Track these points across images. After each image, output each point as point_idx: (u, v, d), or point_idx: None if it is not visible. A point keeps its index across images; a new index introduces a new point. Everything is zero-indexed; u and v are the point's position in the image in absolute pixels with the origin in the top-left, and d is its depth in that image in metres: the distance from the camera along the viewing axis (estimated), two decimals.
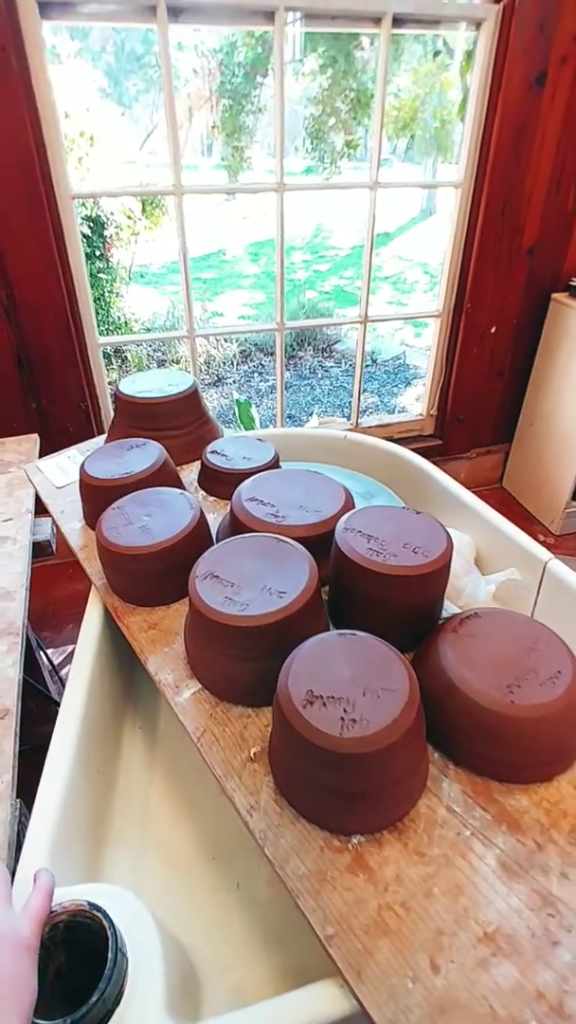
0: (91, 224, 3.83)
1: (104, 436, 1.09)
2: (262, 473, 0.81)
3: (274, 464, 0.89)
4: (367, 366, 4.28)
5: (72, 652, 1.59)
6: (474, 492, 0.97)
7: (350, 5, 1.47)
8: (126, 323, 4.29)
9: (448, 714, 0.54)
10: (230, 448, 0.93)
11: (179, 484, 0.88)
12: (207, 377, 4.19)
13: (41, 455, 1.11)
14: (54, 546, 1.04)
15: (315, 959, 0.46)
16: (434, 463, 1.07)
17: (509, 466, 2.29)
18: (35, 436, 1.24)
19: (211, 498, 0.92)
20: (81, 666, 0.70)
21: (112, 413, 1.54)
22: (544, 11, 1.49)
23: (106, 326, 4.06)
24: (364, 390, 3.95)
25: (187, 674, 0.64)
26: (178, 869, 0.65)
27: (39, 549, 1.01)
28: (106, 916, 0.44)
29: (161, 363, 4.35)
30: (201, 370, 4.17)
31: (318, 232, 8.41)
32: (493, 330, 1.96)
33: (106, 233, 3.99)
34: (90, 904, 0.45)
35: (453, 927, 0.44)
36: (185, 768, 0.74)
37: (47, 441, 1.28)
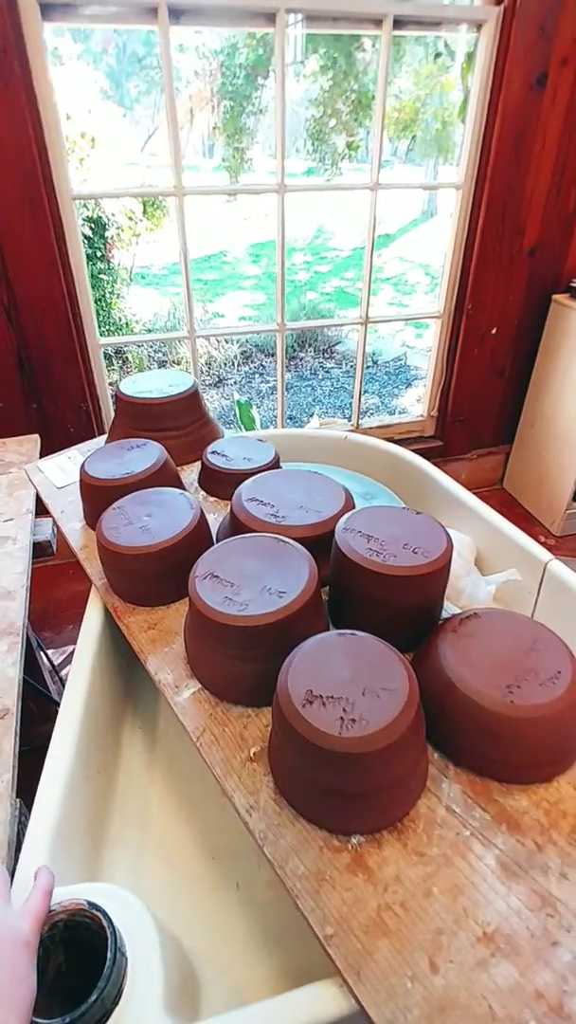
0: (92, 225, 3.84)
1: (105, 436, 1.09)
2: (262, 473, 0.81)
3: (274, 465, 0.89)
4: (368, 367, 4.29)
5: (72, 653, 1.59)
6: (475, 493, 0.97)
7: (351, 7, 1.47)
8: (127, 324, 4.29)
9: (448, 714, 0.54)
10: (230, 448, 0.93)
11: (179, 484, 0.88)
12: (208, 378, 4.19)
13: (42, 455, 1.12)
14: (55, 546, 1.04)
15: (315, 959, 0.46)
16: (435, 464, 1.07)
17: (510, 467, 2.29)
18: (36, 436, 1.24)
19: (211, 498, 0.92)
20: (81, 666, 0.70)
21: (113, 414, 1.54)
22: (545, 13, 1.50)
23: (107, 327, 4.06)
24: (365, 391, 3.95)
25: (187, 674, 0.64)
26: (178, 869, 0.65)
27: (40, 549, 1.02)
28: (105, 915, 0.44)
29: (162, 364, 4.35)
30: (202, 371, 4.18)
31: (319, 233, 8.42)
32: (494, 331, 1.96)
33: (107, 234, 3.99)
34: (89, 903, 0.45)
35: (452, 927, 0.44)
36: (185, 768, 0.74)
37: (48, 441, 1.29)
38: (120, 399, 0.99)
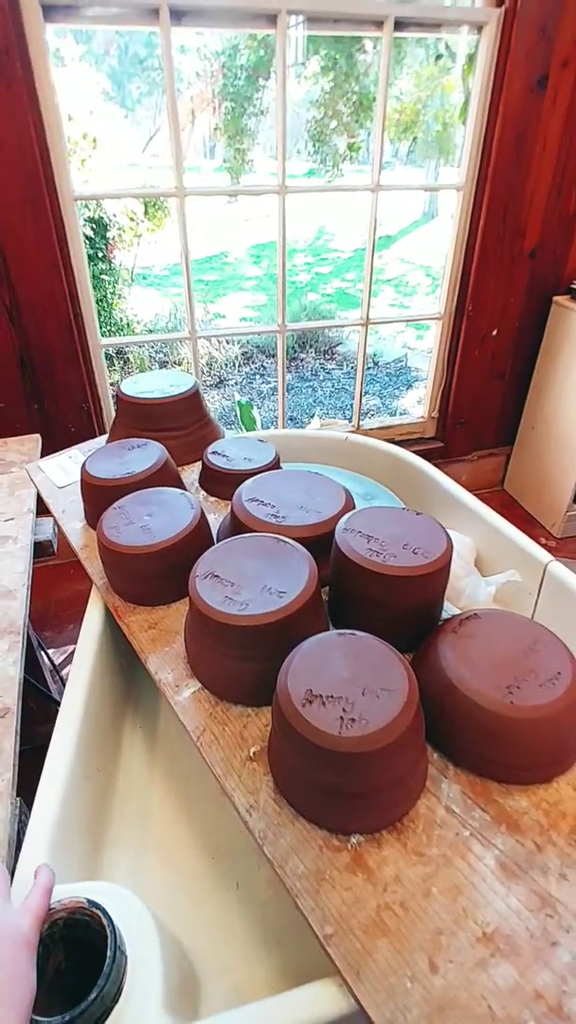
0: (93, 226, 3.84)
1: (106, 436, 1.09)
2: (263, 474, 0.81)
3: (275, 465, 0.89)
4: (368, 368, 4.29)
5: (73, 652, 1.60)
6: (475, 495, 0.97)
7: (352, 8, 1.47)
8: (128, 325, 4.30)
9: (447, 715, 0.54)
10: (231, 449, 0.93)
11: (180, 484, 0.88)
12: (209, 379, 4.19)
13: (43, 455, 1.12)
14: (55, 546, 1.04)
15: (314, 959, 0.46)
16: (435, 465, 1.07)
17: (510, 469, 2.29)
18: (37, 436, 1.24)
19: (212, 498, 0.92)
20: (82, 665, 0.70)
21: (114, 414, 1.54)
22: (545, 15, 1.50)
23: (108, 328, 4.07)
24: (365, 392, 3.95)
25: (187, 673, 0.64)
26: (178, 869, 0.65)
27: (40, 549, 1.02)
28: (105, 914, 0.44)
29: (163, 364, 4.35)
30: (203, 372, 4.18)
31: (320, 234, 8.43)
32: (494, 333, 1.96)
33: (108, 235, 4.00)
34: (89, 901, 0.45)
35: (452, 927, 0.44)
36: (185, 768, 0.74)
37: (49, 441, 1.29)
38: (121, 399, 0.99)
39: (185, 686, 0.63)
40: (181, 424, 1.00)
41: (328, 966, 0.44)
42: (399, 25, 1.51)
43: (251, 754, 0.56)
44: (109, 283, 4.06)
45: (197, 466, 0.97)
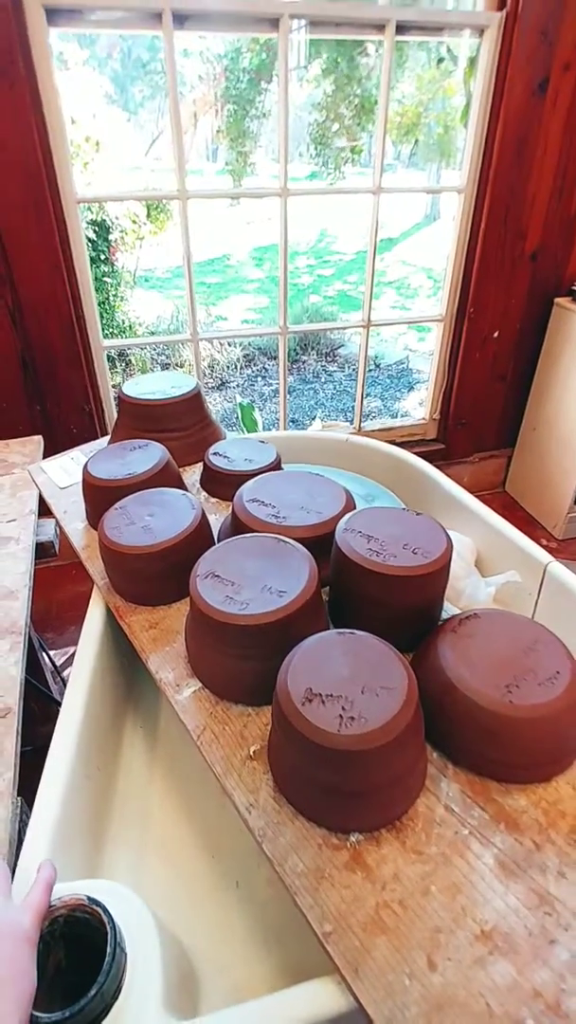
0: (96, 228, 3.86)
1: (107, 437, 1.09)
2: (264, 474, 0.82)
3: (276, 466, 0.90)
4: (370, 370, 4.30)
5: (74, 653, 1.60)
6: (476, 496, 0.98)
7: (354, 12, 1.48)
8: (130, 327, 4.31)
9: (447, 714, 0.54)
10: (232, 450, 0.93)
11: (181, 485, 0.88)
12: (211, 381, 4.20)
13: (45, 457, 1.12)
14: (57, 547, 1.05)
15: (314, 957, 0.46)
16: (437, 467, 1.07)
17: (512, 470, 2.29)
18: (39, 438, 1.25)
19: (213, 499, 0.92)
20: (83, 664, 0.70)
21: (115, 415, 1.55)
22: (546, 18, 1.50)
23: (110, 329, 4.08)
24: (367, 394, 3.96)
25: (187, 673, 0.64)
26: (177, 868, 0.65)
27: (42, 550, 1.02)
28: (105, 911, 0.45)
29: (165, 366, 4.37)
30: (204, 374, 4.19)
31: (322, 237, 8.45)
32: (496, 335, 1.97)
33: (111, 237, 4.01)
34: (89, 899, 0.46)
35: (451, 925, 0.45)
36: (185, 768, 0.75)
37: (51, 443, 1.29)
38: (123, 400, 0.99)
39: (186, 685, 0.63)
40: (182, 425, 1.00)
41: (327, 964, 0.44)
42: (401, 29, 1.51)
43: (251, 753, 0.56)
44: (111, 285, 4.08)
45: (198, 467, 0.98)
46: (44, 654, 1.30)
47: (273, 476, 0.81)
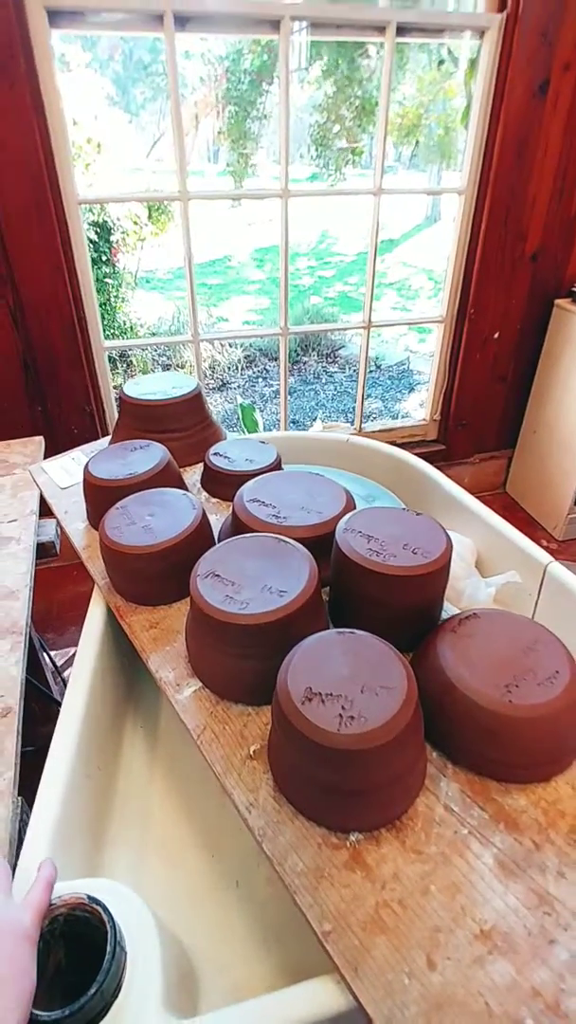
0: (97, 229, 3.87)
1: (108, 438, 1.10)
2: (264, 475, 0.82)
3: (276, 466, 0.90)
4: (371, 372, 4.30)
5: (75, 654, 1.60)
6: (477, 497, 0.98)
7: (355, 14, 1.49)
8: (131, 328, 4.32)
9: (446, 713, 0.54)
10: (233, 450, 0.93)
11: (182, 485, 0.89)
12: (212, 382, 4.21)
13: (46, 457, 1.12)
14: (58, 547, 1.05)
15: (313, 956, 0.46)
16: (437, 468, 1.07)
17: (512, 471, 2.29)
18: (40, 438, 1.25)
19: (214, 499, 0.93)
20: (83, 664, 0.70)
21: (116, 416, 1.55)
22: (547, 20, 1.51)
23: (111, 331, 4.09)
24: (368, 395, 3.96)
25: (188, 672, 0.64)
26: (177, 867, 0.65)
27: (43, 550, 1.02)
28: (105, 910, 0.45)
29: (166, 367, 4.37)
30: (205, 375, 4.19)
31: (323, 238, 8.46)
32: (496, 336, 1.97)
33: (112, 238, 4.02)
34: (89, 898, 0.46)
35: (450, 924, 0.45)
36: (185, 767, 0.75)
37: (52, 444, 1.29)
38: (124, 401, 0.99)
39: (186, 685, 0.63)
40: (183, 426, 1.00)
41: (327, 963, 0.44)
42: (401, 30, 1.52)
43: (251, 752, 0.56)
44: (113, 286, 4.08)
45: (199, 467, 0.98)
46: (45, 654, 1.30)
47: (273, 476, 0.81)
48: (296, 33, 1.51)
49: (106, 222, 3.92)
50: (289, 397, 1.99)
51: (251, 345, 4.53)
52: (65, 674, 1.53)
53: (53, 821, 0.55)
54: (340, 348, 4.65)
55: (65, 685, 1.38)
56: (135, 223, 4.22)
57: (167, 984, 0.45)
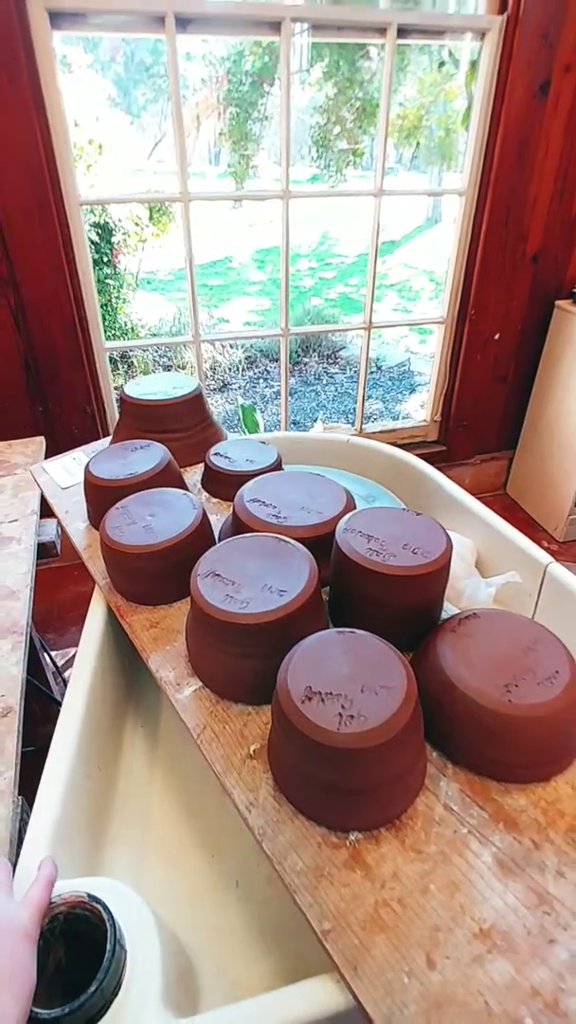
0: (99, 230, 3.87)
1: (109, 438, 1.10)
2: (265, 475, 0.82)
3: (277, 466, 0.90)
4: (372, 373, 4.30)
5: (75, 655, 1.60)
6: (477, 498, 0.98)
7: (356, 16, 1.49)
8: (132, 329, 4.32)
9: (446, 713, 0.54)
10: (233, 450, 0.94)
11: (182, 485, 0.89)
12: (213, 383, 4.21)
13: (47, 458, 1.13)
14: (59, 547, 1.05)
15: (313, 956, 0.46)
16: (438, 469, 1.07)
17: (513, 472, 2.29)
18: (41, 439, 1.25)
19: (214, 500, 0.93)
20: (84, 664, 0.70)
21: (117, 417, 1.55)
22: (547, 21, 1.51)
23: (113, 331, 4.09)
24: (369, 396, 3.96)
25: (188, 672, 0.64)
26: (177, 867, 0.65)
27: (44, 550, 1.02)
28: (105, 908, 0.45)
29: (167, 368, 4.38)
30: (206, 376, 4.20)
31: (324, 240, 8.46)
32: (497, 337, 1.97)
33: (113, 239, 4.03)
34: (89, 896, 0.46)
35: (449, 923, 0.45)
36: (186, 767, 0.75)
37: (53, 444, 1.30)
38: (125, 401, 1.00)
39: (186, 684, 0.63)
40: (184, 426, 1.00)
41: (326, 962, 0.44)
42: (402, 32, 1.52)
43: (251, 752, 0.56)
44: (114, 287, 4.09)
45: (200, 468, 0.98)
46: (46, 655, 1.30)
47: (274, 476, 0.81)
48: (297, 35, 1.51)
49: (107, 223, 3.93)
50: (290, 398, 2.00)
51: (252, 346, 4.53)
52: (66, 674, 1.53)
53: (53, 821, 0.55)
54: (341, 349, 4.65)
55: (66, 685, 1.38)
56: (136, 224, 4.22)
57: (167, 982, 0.45)
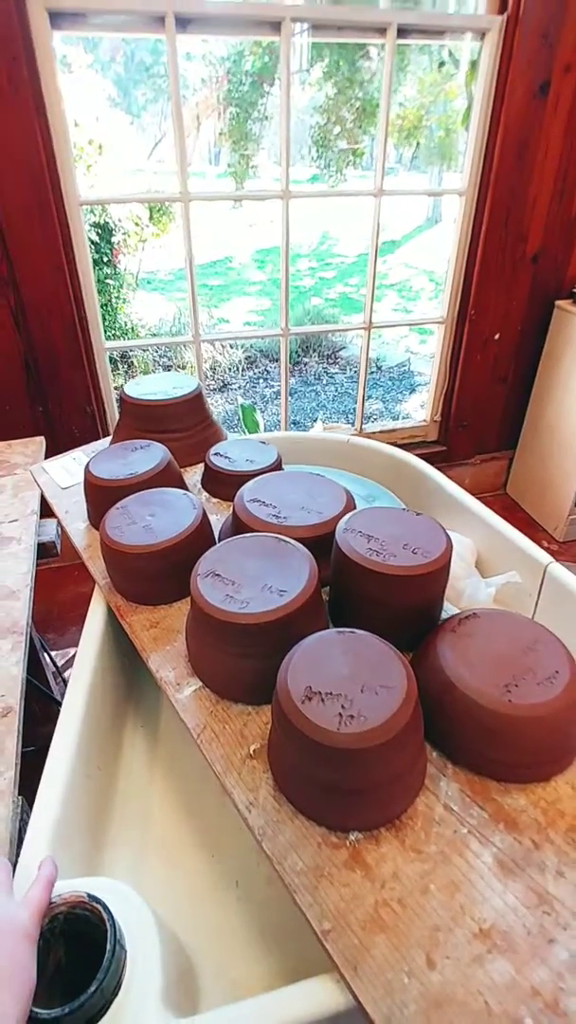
0: (99, 231, 3.87)
1: (109, 438, 1.10)
2: (265, 475, 0.82)
3: (277, 466, 0.90)
4: (372, 373, 4.30)
5: (75, 655, 1.60)
6: (478, 498, 0.98)
7: (356, 16, 1.49)
8: (132, 329, 4.32)
9: (446, 713, 0.54)
10: (233, 450, 0.94)
11: (182, 485, 0.89)
12: (213, 383, 4.21)
13: (47, 458, 1.13)
14: (59, 547, 1.05)
15: (313, 956, 0.46)
16: (438, 469, 1.07)
17: (513, 472, 2.29)
18: (41, 439, 1.25)
19: (214, 500, 0.93)
20: (84, 664, 0.70)
21: (117, 417, 1.55)
22: (547, 21, 1.51)
23: (113, 332, 4.09)
24: (369, 396, 3.96)
25: (188, 672, 0.64)
26: (177, 867, 0.65)
27: (44, 550, 1.02)
28: (105, 908, 0.45)
29: (167, 368, 4.38)
30: (207, 376, 4.20)
31: (324, 240, 8.46)
32: (497, 337, 1.97)
33: (114, 239, 4.03)
34: (89, 896, 0.46)
35: (449, 923, 0.45)
36: (186, 767, 0.75)
37: (53, 444, 1.30)
38: (125, 401, 1.00)
39: (186, 684, 0.63)
40: (184, 426, 1.00)
41: (326, 962, 0.44)
42: (402, 32, 1.52)
43: (251, 752, 0.56)
44: (114, 287, 4.09)
45: (200, 468, 0.98)
46: (46, 655, 1.30)
47: (274, 476, 0.81)
48: (297, 35, 1.51)
49: (107, 223, 3.93)
50: (290, 398, 2.00)
51: (252, 346, 4.53)
52: (66, 675, 1.53)
53: (53, 821, 0.55)
54: (341, 349, 4.65)
55: (66, 685, 1.38)
56: (136, 224, 4.22)
57: (167, 982, 0.45)
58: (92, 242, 3.76)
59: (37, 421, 1.67)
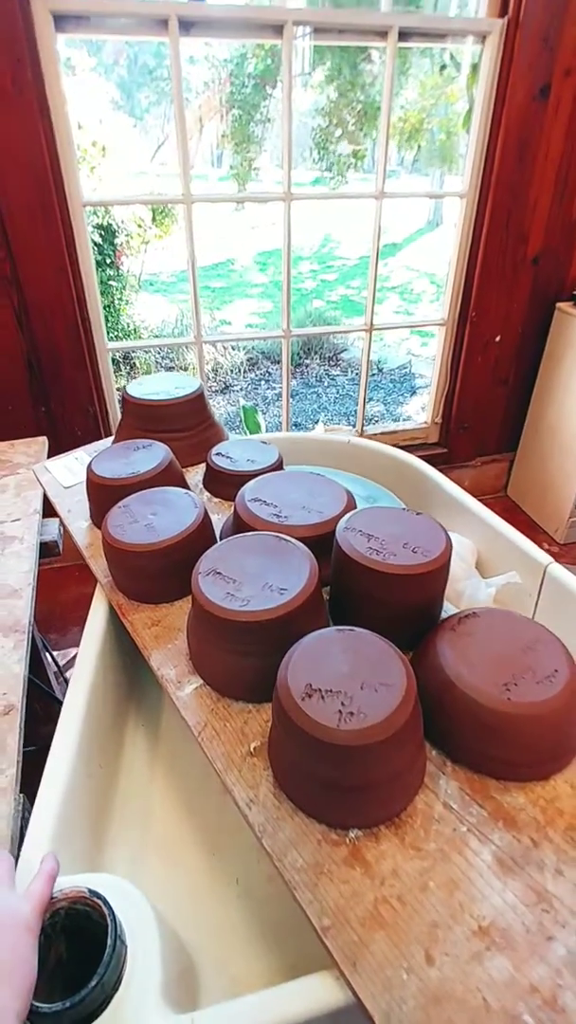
0: (102, 232, 3.89)
1: (111, 438, 1.10)
2: (266, 475, 0.82)
3: (278, 466, 0.90)
4: (373, 375, 4.30)
5: (77, 654, 1.60)
6: (478, 500, 0.98)
7: (357, 19, 1.50)
8: (135, 330, 4.33)
9: (446, 711, 0.54)
10: (235, 450, 0.94)
11: (184, 485, 0.89)
12: (214, 384, 4.22)
13: (49, 458, 1.13)
14: (61, 546, 1.05)
15: (313, 953, 0.46)
16: (439, 471, 1.08)
17: (514, 475, 2.29)
18: (43, 439, 1.26)
19: (216, 499, 0.93)
20: (85, 662, 0.71)
21: (119, 417, 1.56)
22: (548, 24, 1.51)
23: (115, 333, 4.10)
24: (370, 399, 3.96)
25: (189, 670, 0.65)
26: (178, 865, 0.65)
27: (46, 549, 1.03)
28: (106, 903, 0.45)
29: (169, 369, 4.38)
30: (208, 377, 4.20)
31: (326, 242, 8.47)
32: (498, 339, 1.97)
33: (117, 241, 4.04)
34: (90, 891, 0.46)
35: (448, 921, 0.45)
36: (186, 766, 0.75)
37: (55, 444, 1.30)
38: (127, 400, 1.00)
39: (187, 682, 0.63)
40: (186, 426, 1.01)
41: (326, 959, 0.44)
42: (404, 35, 1.53)
43: (251, 749, 0.57)
44: (117, 289, 4.10)
45: (201, 468, 0.98)
46: (47, 654, 1.30)
47: (275, 476, 0.82)
48: (299, 38, 1.52)
49: (110, 225, 3.94)
50: (291, 400, 2.00)
51: (254, 348, 4.54)
52: (67, 674, 1.53)
53: (54, 819, 0.55)
54: (342, 351, 4.66)
55: (67, 685, 1.38)
56: (139, 226, 4.24)
57: (167, 978, 0.45)
58: (95, 243, 3.77)
59: (40, 421, 1.67)
